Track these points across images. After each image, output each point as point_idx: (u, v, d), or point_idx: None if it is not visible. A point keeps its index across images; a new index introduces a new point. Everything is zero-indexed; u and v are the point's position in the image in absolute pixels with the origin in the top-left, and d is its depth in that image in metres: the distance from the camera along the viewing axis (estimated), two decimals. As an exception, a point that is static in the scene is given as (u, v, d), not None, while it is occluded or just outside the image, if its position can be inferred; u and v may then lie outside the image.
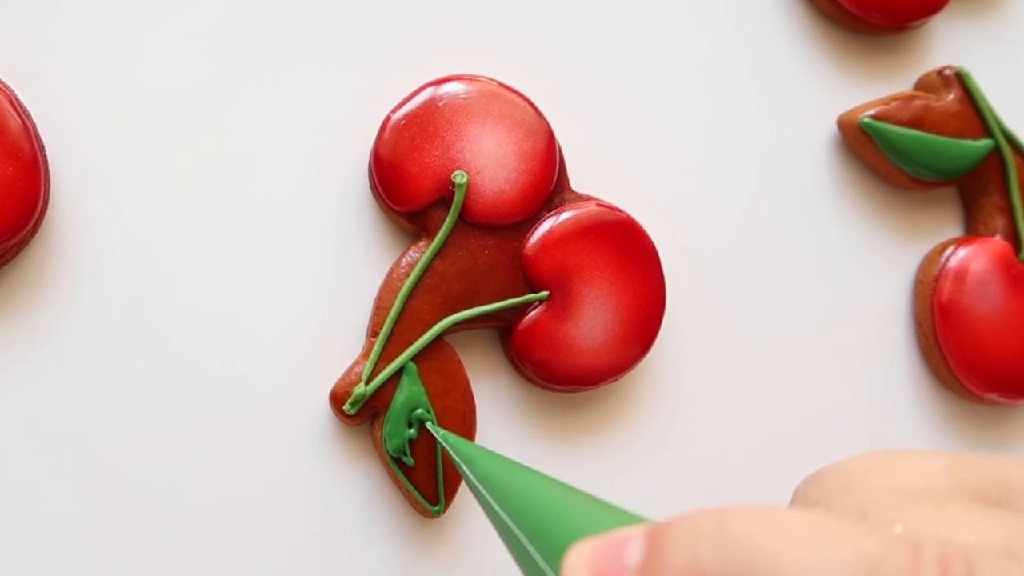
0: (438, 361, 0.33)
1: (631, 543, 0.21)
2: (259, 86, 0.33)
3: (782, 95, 0.37)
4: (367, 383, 0.32)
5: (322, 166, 0.33)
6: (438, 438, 0.31)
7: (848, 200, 0.37)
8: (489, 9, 0.35)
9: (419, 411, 0.32)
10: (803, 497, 0.23)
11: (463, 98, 0.33)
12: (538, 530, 0.23)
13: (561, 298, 0.33)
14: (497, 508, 0.25)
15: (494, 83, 0.33)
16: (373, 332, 0.32)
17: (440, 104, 0.33)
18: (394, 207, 0.33)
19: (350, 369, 0.32)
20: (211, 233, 0.33)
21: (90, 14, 0.32)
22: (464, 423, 0.33)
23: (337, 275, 0.33)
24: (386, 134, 0.33)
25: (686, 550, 0.20)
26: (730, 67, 0.37)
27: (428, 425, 0.32)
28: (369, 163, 0.33)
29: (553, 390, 0.34)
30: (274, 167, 0.33)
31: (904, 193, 0.38)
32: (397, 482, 0.32)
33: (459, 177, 0.32)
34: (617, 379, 0.34)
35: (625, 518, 0.22)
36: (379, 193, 0.33)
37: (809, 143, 0.37)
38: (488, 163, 0.33)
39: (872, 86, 0.38)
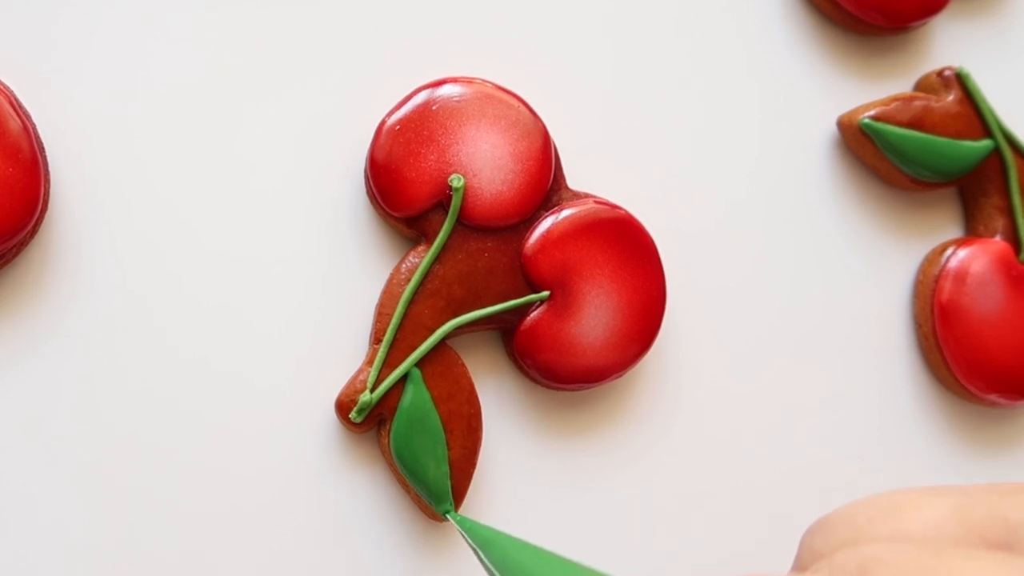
0: (442, 366, 0.32)
1: None
2: (256, 93, 0.33)
3: (782, 95, 0.37)
4: (372, 391, 0.32)
5: (318, 173, 0.33)
6: (454, 524, 0.31)
7: (848, 201, 0.37)
8: (481, 9, 0.35)
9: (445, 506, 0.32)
10: (808, 548, 0.23)
11: (457, 100, 0.33)
12: None
13: (562, 297, 0.33)
14: None
15: (489, 85, 0.33)
16: (376, 339, 0.32)
17: (434, 108, 0.33)
18: (392, 212, 0.33)
19: (354, 377, 0.32)
20: (210, 238, 0.33)
21: (91, 16, 0.32)
22: (469, 426, 0.33)
23: (337, 282, 0.33)
24: (381, 139, 0.33)
25: None
26: (729, 67, 0.37)
27: (447, 514, 0.32)
28: (365, 169, 0.33)
29: (557, 389, 0.34)
30: (270, 173, 0.33)
31: (904, 194, 0.38)
32: (405, 486, 0.32)
33: (456, 181, 0.32)
34: (620, 376, 0.34)
35: None
36: (376, 199, 0.33)
37: (809, 143, 0.37)
38: (484, 165, 0.33)
39: (872, 87, 0.38)
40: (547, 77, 0.35)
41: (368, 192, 0.33)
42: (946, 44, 0.38)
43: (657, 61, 0.36)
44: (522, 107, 0.33)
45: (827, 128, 0.37)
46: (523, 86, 0.34)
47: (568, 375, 0.33)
